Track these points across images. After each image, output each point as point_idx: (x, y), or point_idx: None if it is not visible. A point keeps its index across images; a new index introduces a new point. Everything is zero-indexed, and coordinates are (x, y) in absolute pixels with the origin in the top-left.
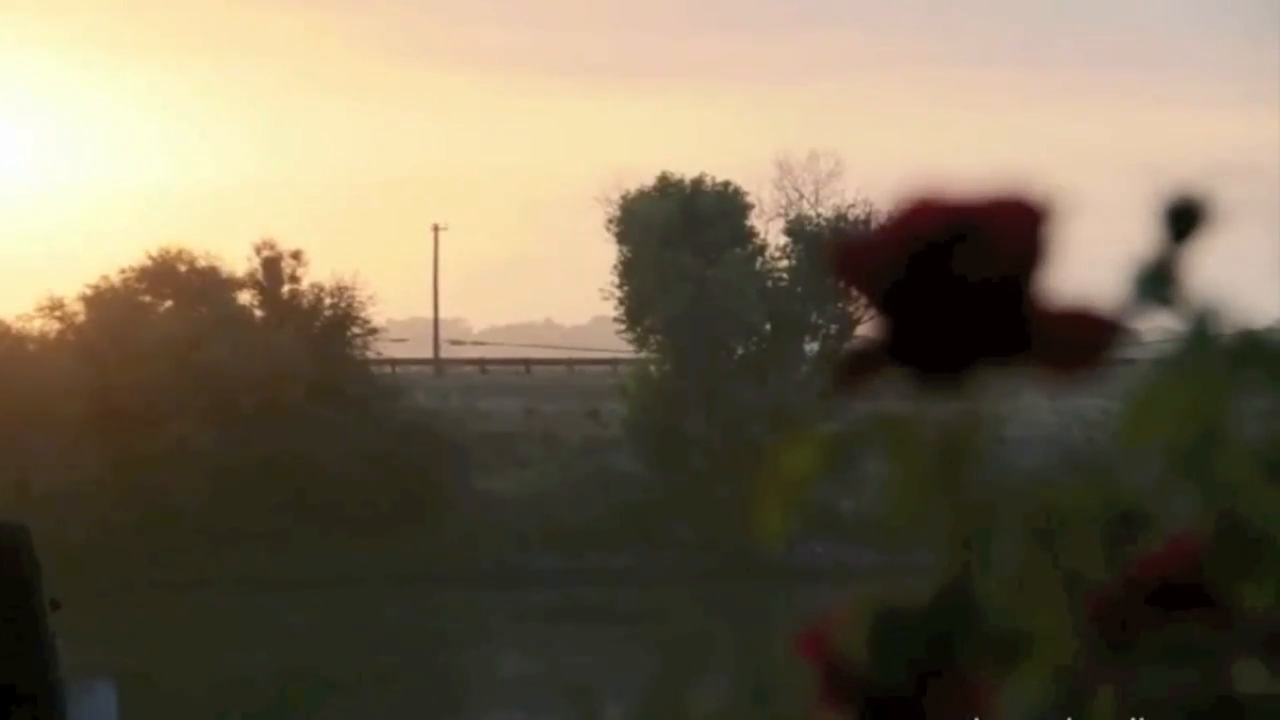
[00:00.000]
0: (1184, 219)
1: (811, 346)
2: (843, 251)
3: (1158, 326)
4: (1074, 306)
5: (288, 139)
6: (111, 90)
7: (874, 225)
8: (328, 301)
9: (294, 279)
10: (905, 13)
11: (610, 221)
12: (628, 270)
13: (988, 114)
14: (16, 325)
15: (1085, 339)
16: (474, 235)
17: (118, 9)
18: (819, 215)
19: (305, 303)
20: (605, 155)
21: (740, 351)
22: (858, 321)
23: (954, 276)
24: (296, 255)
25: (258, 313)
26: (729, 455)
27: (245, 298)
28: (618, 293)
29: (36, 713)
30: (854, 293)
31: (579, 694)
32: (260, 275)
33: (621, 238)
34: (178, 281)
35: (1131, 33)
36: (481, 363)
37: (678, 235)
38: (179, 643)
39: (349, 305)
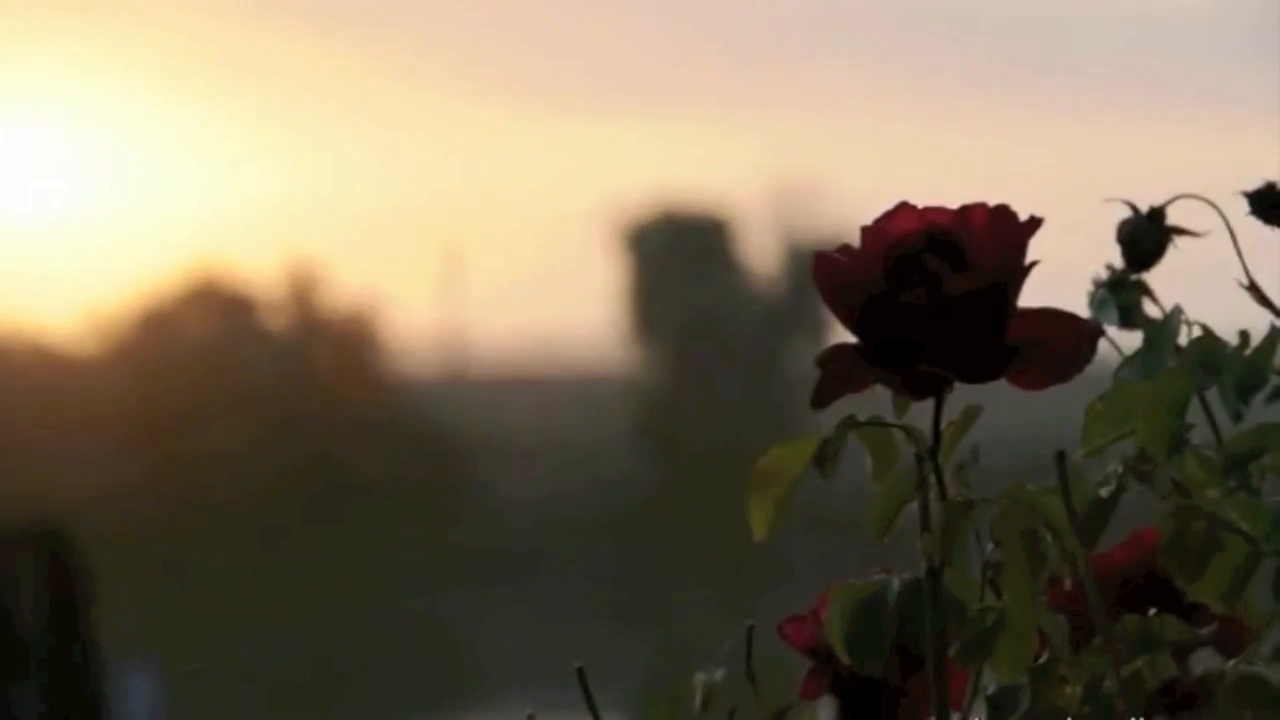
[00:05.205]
0: (1148, 239)
1: (804, 358)
2: (822, 263)
3: (1124, 340)
4: (1048, 313)
5: (317, 163)
6: (154, 114)
7: (856, 239)
8: (350, 317)
9: (319, 296)
10: (901, 40)
11: (613, 243)
12: (630, 290)
13: (980, 138)
14: (60, 339)
15: (1058, 346)
16: (486, 256)
17: (159, 41)
18: (812, 238)
19: (330, 318)
20: (608, 179)
21: (738, 362)
22: (844, 333)
23: (931, 285)
24: (321, 273)
25: (286, 328)
26: (727, 457)
27: (275, 314)
28: (621, 311)
29: (79, 703)
30: (837, 304)
31: (578, 687)
32: (289, 292)
33: (624, 259)
34: (210, 298)
35: (1118, 57)
36: (489, 373)
37: (677, 256)
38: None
39: (369, 321)
